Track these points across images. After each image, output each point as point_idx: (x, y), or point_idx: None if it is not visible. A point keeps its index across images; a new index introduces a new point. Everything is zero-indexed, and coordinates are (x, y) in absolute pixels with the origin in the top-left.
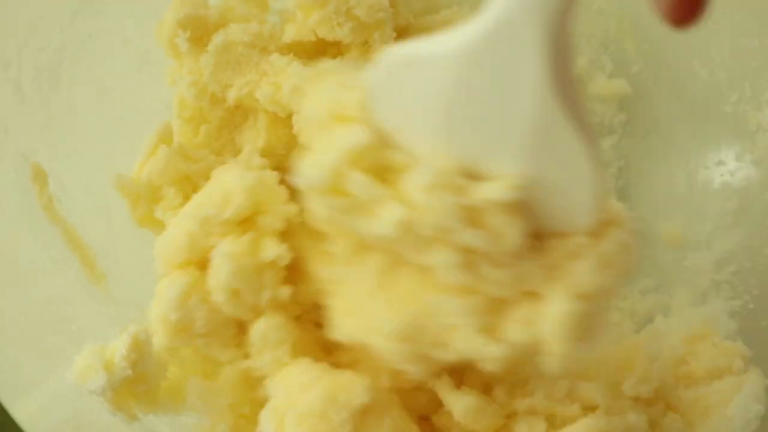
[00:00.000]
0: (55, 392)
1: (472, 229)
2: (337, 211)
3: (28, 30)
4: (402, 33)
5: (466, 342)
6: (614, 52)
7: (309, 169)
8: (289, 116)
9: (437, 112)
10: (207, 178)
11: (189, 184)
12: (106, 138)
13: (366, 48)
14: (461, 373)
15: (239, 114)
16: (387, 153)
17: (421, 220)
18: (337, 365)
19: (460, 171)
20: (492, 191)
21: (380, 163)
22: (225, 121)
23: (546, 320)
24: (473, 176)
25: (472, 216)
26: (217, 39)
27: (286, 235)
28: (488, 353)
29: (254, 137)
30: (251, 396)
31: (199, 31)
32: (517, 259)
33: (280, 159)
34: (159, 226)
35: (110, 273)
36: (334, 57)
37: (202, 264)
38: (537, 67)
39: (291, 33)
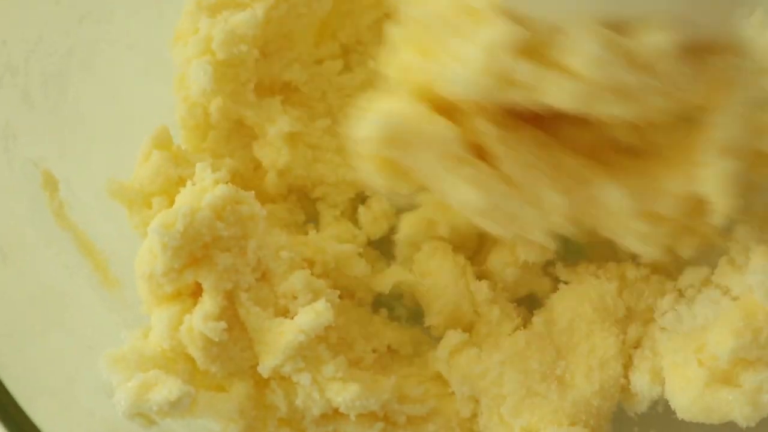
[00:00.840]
0: (71, 397)
1: (646, 77)
2: (501, 94)
3: (35, 37)
4: None
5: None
6: None
7: (460, 73)
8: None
9: None
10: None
11: (178, 192)
12: (115, 143)
13: None
14: None
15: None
16: (531, 34)
17: (597, 89)
18: None
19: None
20: (658, 41)
21: (528, 46)
22: (233, 131)
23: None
24: (621, 30)
25: (642, 68)
26: None
27: None
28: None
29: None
30: (262, 402)
31: None
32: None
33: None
34: None
35: (123, 278)
36: None
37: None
38: None
39: None
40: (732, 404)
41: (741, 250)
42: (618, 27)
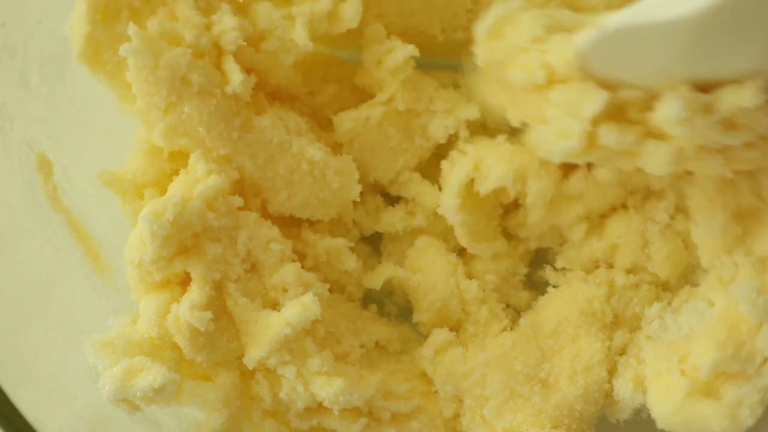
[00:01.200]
0: (58, 382)
1: (730, 132)
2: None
3: (35, 20)
4: None
5: None
6: None
7: (556, 142)
8: None
9: (668, 60)
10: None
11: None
12: (112, 128)
13: None
14: None
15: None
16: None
17: (685, 147)
18: None
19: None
20: (742, 99)
21: (616, 108)
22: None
23: None
24: (703, 87)
25: (725, 123)
26: None
27: None
28: None
29: None
30: (247, 393)
31: None
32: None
33: None
34: None
35: (114, 263)
36: None
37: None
38: None
39: None
40: (711, 417)
41: (729, 267)
42: (705, 83)
